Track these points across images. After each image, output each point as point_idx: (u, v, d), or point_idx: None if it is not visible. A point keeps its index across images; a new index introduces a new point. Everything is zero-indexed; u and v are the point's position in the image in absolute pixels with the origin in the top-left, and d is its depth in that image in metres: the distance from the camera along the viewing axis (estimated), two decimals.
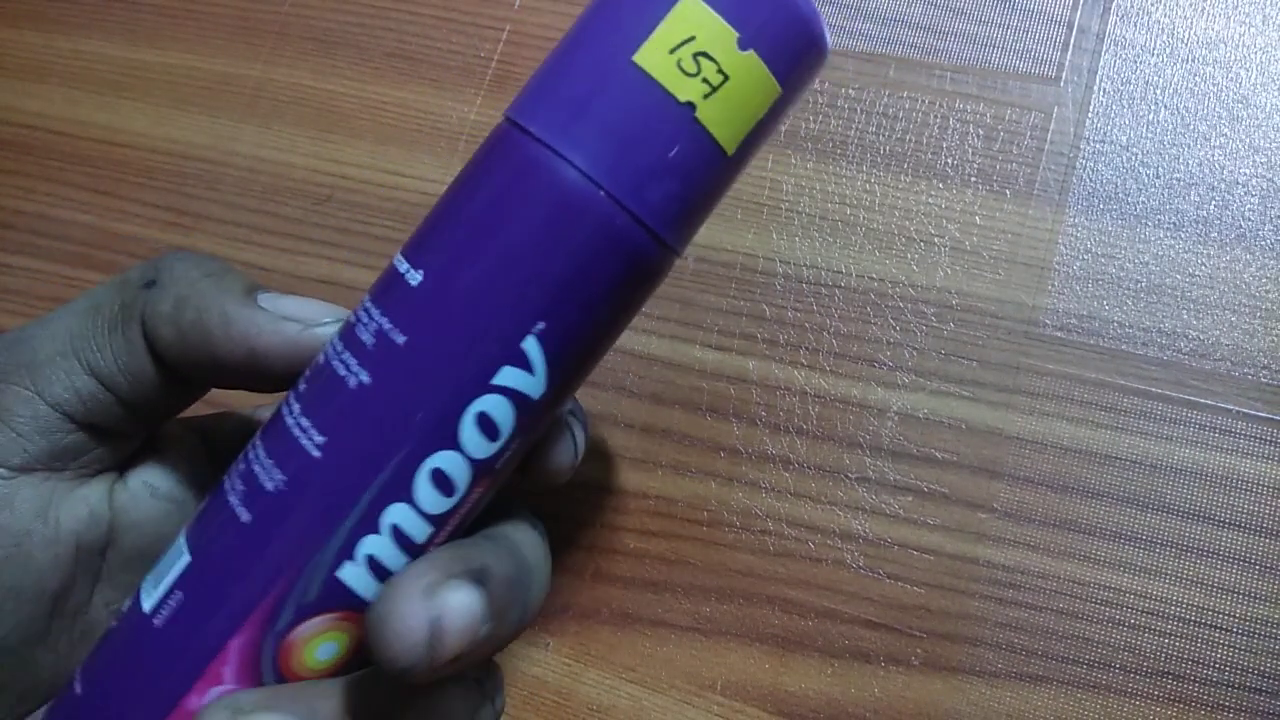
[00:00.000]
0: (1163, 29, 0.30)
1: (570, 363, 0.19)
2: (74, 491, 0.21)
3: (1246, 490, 0.26)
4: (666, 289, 0.30)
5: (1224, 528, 0.26)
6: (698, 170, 0.19)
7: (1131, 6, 0.30)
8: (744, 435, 0.28)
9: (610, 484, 0.28)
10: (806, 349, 0.29)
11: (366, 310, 0.19)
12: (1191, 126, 0.29)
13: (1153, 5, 0.30)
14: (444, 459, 0.19)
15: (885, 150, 0.30)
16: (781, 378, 0.29)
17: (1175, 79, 0.29)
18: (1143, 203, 0.28)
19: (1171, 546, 0.26)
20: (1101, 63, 0.30)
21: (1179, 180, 0.28)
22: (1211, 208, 0.28)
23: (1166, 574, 0.26)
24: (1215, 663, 0.25)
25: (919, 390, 0.28)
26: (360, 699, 0.18)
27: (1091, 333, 0.28)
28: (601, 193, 0.18)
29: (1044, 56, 0.30)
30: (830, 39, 0.20)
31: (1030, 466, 0.27)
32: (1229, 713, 0.24)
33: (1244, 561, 0.25)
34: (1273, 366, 0.27)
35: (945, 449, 0.27)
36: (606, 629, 0.27)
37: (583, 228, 0.18)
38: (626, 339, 0.29)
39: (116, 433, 0.22)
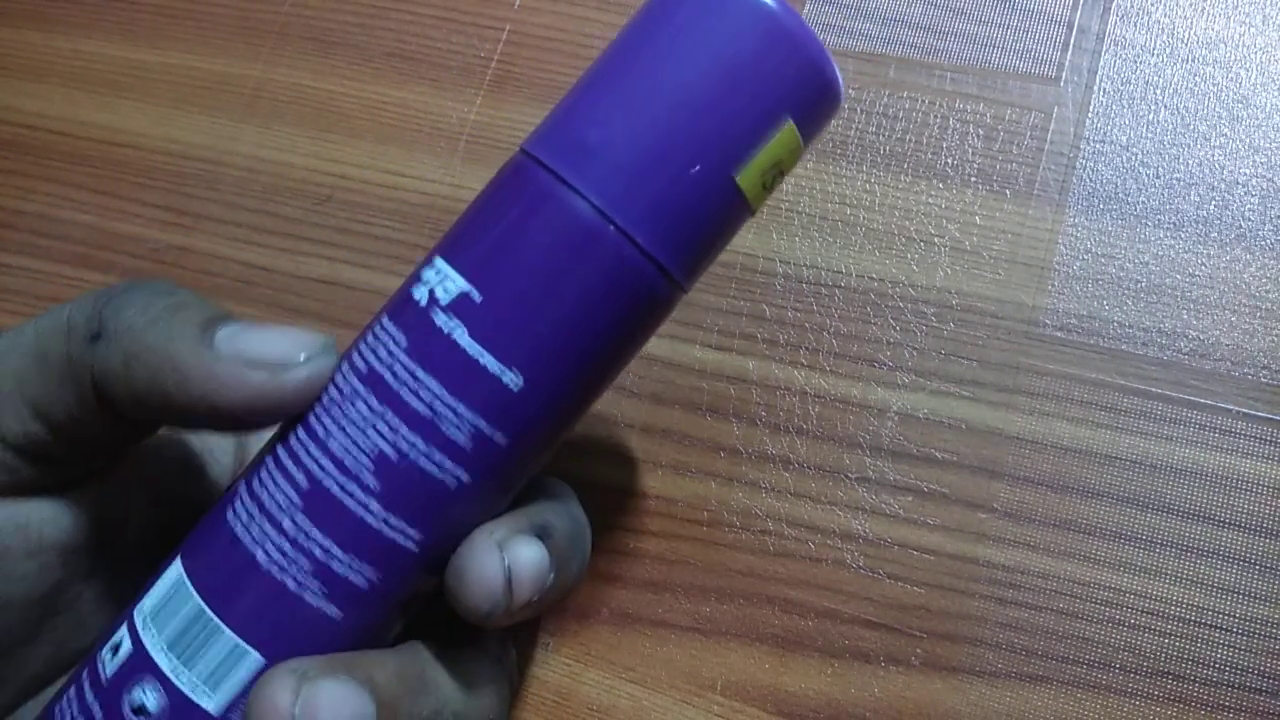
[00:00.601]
0: (1163, 29, 0.30)
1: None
2: (51, 501, 0.20)
3: (1246, 490, 0.26)
4: None
5: (1224, 528, 0.26)
6: (731, 229, 0.20)
7: (1131, 6, 0.30)
8: (744, 435, 0.28)
9: (610, 484, 0.28)
10: (806, 349, 0.29)
11: (452, 409, 0.18)
12: (1191, 126, 0.29)
13: (1153, 5, 0.30)
14: None
15: (885, 150, 0.30)
16: (781, 378, 0.29)
17: (1175, 79, 0.29)
18: (1143, 203, 0.28)
19: (1171, 546, 0.26)
20: (1101, 63, 0.30)
21: (1179, 180, 0.28)
22: (1211, 208, 0.28)
23: (1166, 574, 0.26)
24: (1215, 663, 0.25)
25: (919, 390, 0.28)
26: (408, 666, 0.19)
27: (1091, 333, 0.28)
28: (680, 293, 0.20)
29: (1044, 56, 0.30)
30: (830, 41, 0.20)
31: (1030, 466, 0.27)
32: (1229, 713, 0.24)
33: (1244, 561, 0.25)
34: (1273, 366, 0.27)
35: (945, 449, 0.27)
36: (606, 629, 0.27)
37: (659, 315, 0.20)
38: None
39: (74, 464, 0.21)
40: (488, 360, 0.18)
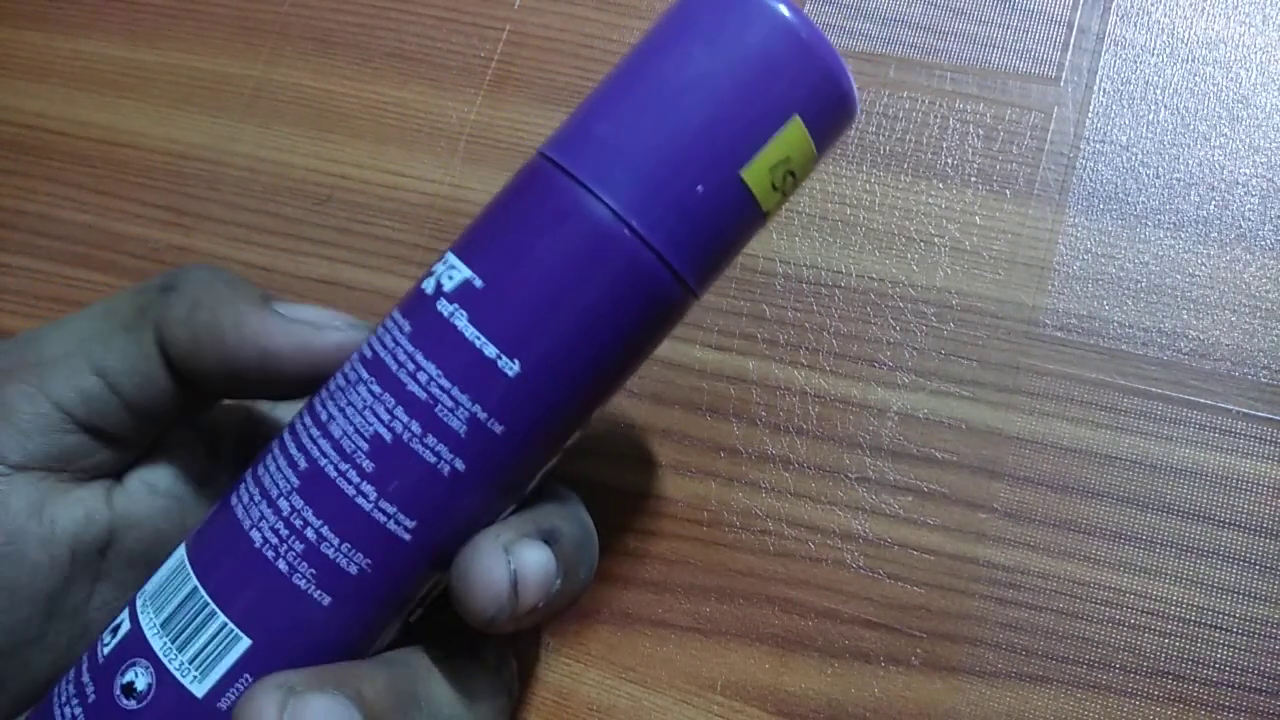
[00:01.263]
0: (1163, 29, 0.30)
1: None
2: (71, 492, 0.21)
3: (1246, 490, 0.26)
4: None
5: (1224, 528, 0.26)
6: (742, 230, 0.20)
7: (1131, 6, 0.30)
8: (744, 435, 0.28)
9: (610, 484, 0.28)
10: (806, 349, 0.29)
11: (448, 393, 0.18)
12: (1191, 126, 0.29)
13: (1153, 5, 0.30)
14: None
15: (885, 150, 0.30)
16: (781, 378, 0.29)
17: (1175, 79, 0.29)
18: (1143, 203, 0.28)
19: (1171, 546, 0.26)
20: (1101, 63, 0.30)
21: (1179, 180, 0.28)
22: (1211, 208, 0.28)
23: (1166, 574, 0.26)
24: (1215, 663, 0.25)
25: (919, 390, 0.28)
26: (400, 680, 0.19)
27: (1091, 333, 0.28)
28: (692, 298, 0.20)
29: (1044, 56, 0.30)
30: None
31: (1030, 466, 0.27)
32: (1229, 713, 0.24)
33: (1244, 561, 0.25)
34: (1273, 366, 0.27)
35: (945, 449, 0.27)
36: (606, 629, 0.27)
37: (670, 320, 0.20)
38: None
39: (119, 437, 0.21)
40: (486, 346, 0.18)
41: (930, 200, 0.30)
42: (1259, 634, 0.25)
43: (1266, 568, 0.25)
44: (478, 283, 0.19)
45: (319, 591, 0.19)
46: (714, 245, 0.20)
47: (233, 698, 0.18)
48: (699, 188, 0.19)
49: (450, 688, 0.20)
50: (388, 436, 0.19)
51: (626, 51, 0.21)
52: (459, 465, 0.19)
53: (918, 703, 0.26)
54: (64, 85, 0.37)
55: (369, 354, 0.19)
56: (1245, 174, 0.28)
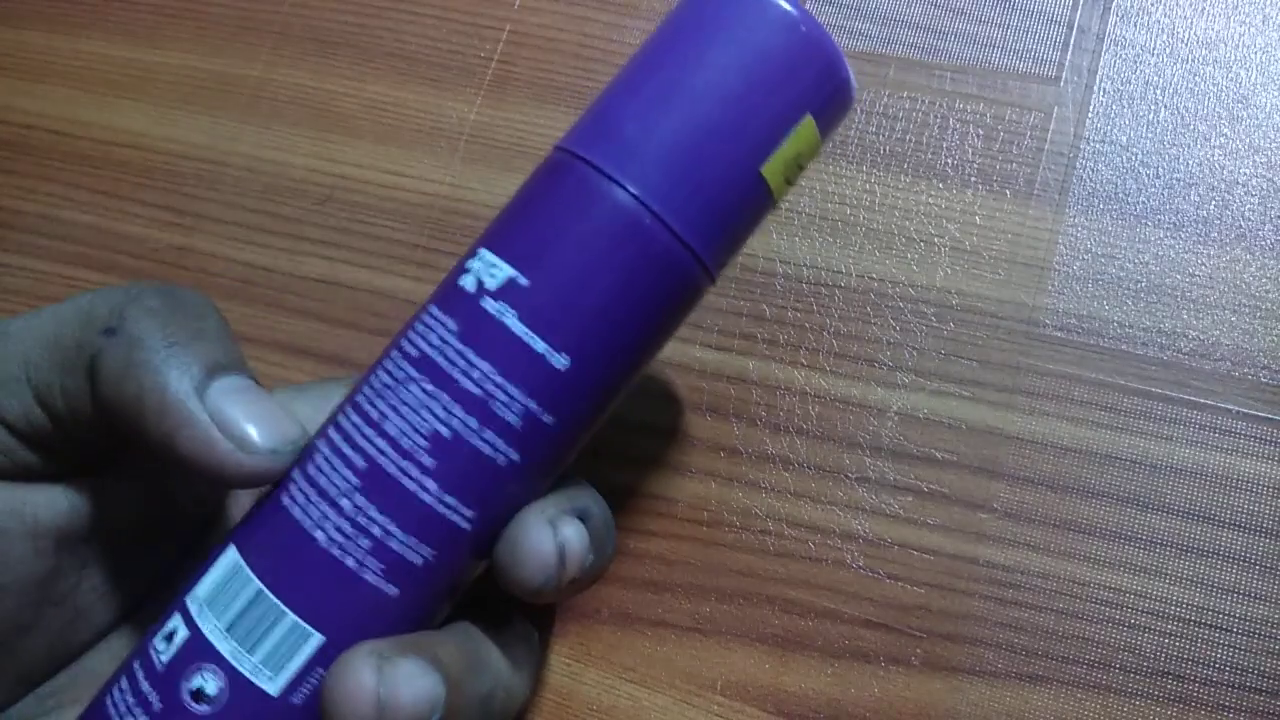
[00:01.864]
0: (1163, 29, 0.30)
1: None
2: (48, 487, 0.21)
3: (1246, 490, 0.26)
4: None
5: (1224, 528, 0.26)
6: (756, 219, 0.22)
7: (1131, 6, 0.30)
8: (744, 435, 0.28)
9: (610, 484, 0.28)
10: (806, 349, 0.29)
11: (503, 389, 0.19)
12: (1191, 126, 0.29)
13: (1153, 5, 0.30)
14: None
15: (885, 150, 0.30)
16: (781, 378, 0.29)
17: (1175, 79, 0.29)
18: (1143, 203, 0.28)
19: (1171, 546, 0.26)
20: (1101, 63, 0.30)
21: (1179, 180, 0.28)
22: (1211, 208, 0.28)
23: (1166, 574, 0.26)
24: (1215, 663, 0.25)
25: (919, 390, 0.28)
26: (466, 645, 0.20)
27: (1091, 333, 0.28)
28: (710, 284, 0.21)
29: (1044, 56, 0.30)
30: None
31: (1030, 466, 0.27)
32: (1229, 713, 0.24)
33: (1244, 561, 0.25)
34: (1273, 366, 0.27)
35: (945, 449, 0.27)
36: (606, 629, 0.27)
37: (693, 304, 0.21)
38: None
39: (75, 456, 0.21)
40: (537, 343, 0.19)
41: (930, 200, 0.29)
42: (1259, 634, 0.25)
43: (1266, 568, 0.25)
44: (523, 281, 0.20)
45: (387, 584, 0.19)
46: (733, 234, 0.21)
47: (306, 691, 0.19)
48: (721, 180, 0.20)
49: (500, 653, 0.21)
50: (446, 433, 0.19)
51: (646, 46, 0.21)
52: (514, 456, 0.20)
53: (918, 703, 0.26)
54: (63, 85, 0.37)
55: (414, 353, 0.20)
56: (1245, 174, 0.28)
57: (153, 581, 0.23)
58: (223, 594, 0.19)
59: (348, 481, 0.19)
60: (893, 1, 0.31)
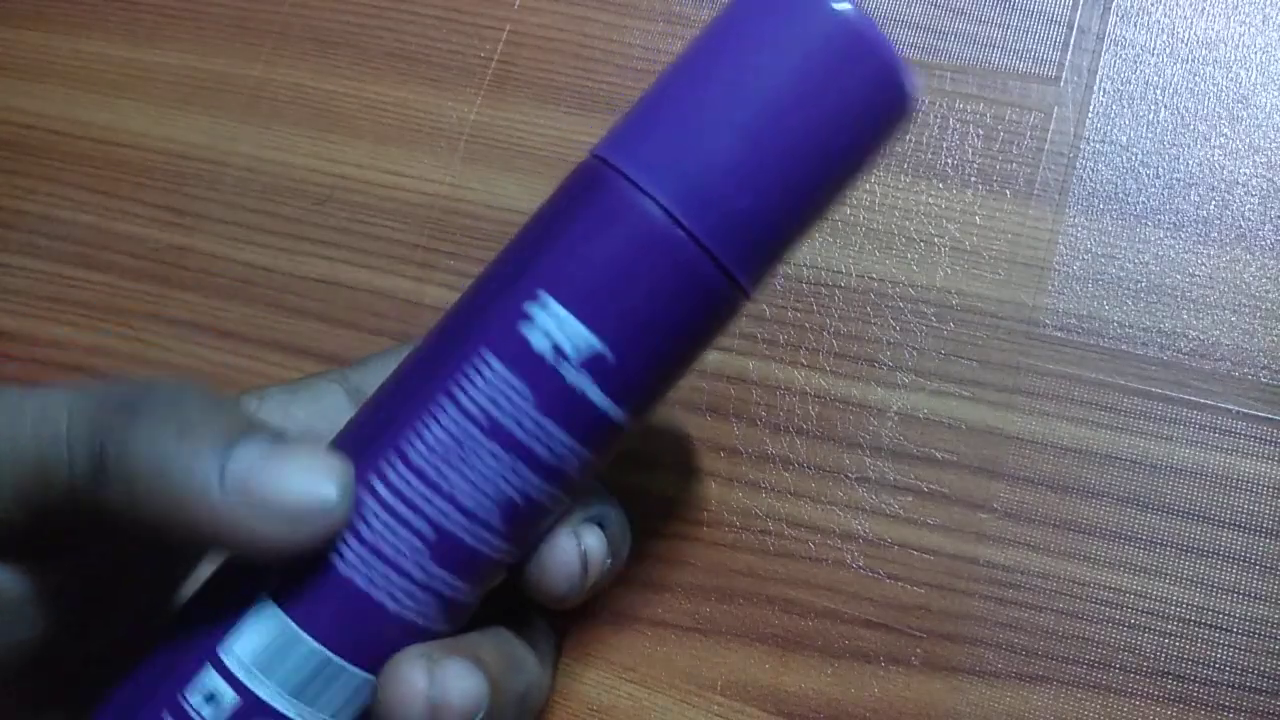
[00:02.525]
0: (1163, 29, 0.30)
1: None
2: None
3: (1246, 490, 0.26)
4: None
5: (1224, 528, 0.26)
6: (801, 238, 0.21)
7: (1131, 6, 0.30)
8: (744, 435, 0.28)
9: (610, 484, 0.28)
10: (806, 349, 0.29)
11: (574, 453, 0.20)
12: (1191, 126, 0.29)
13: (1153, 5, 0.30)
14: None
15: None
16: (781, 378, 0.29)
17: (1175, 79, 0.29)
18: (1143, 203, 0.28)
19: (1171, 546, 0.26)
20: (1101, 63, 0.30)
21: (1179, 180, 0.28)
22: (1211, 208, 0.28)
23: (1166, 574, 0.26)
24: (1215, 663, 0.25)
25: (919, 390, 0.28)
26: (502, 647, 0.21)
27: (1091, 333, 0.28)
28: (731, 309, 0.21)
29: (1044, 56, 0.30)
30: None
31: (1030, 466, 0.27)
32: (1229, 713, 0.24)
33: (1244, 561, 0.25)
34: (1273, 366, 0.27)
35: (945, 449, 0.27)
36: (606, 628, 0.27)
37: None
38: None
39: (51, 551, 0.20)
40: (612, 410, 0.20)
41: (930, 200, 0.29)
42: (1259, 634, 0.25)
43: (1266, 568, 0.25)
44: (610, 357, 0.19)
45: (449, 625, 0.20)
46: (776, 266, 0.21)
47: None
48: (785, 232, 0.20)
49: (530, 653, 0.22)
50: (519, 499, 0.20)
51: (700, 57, 0.20)
52: (564, 499, 0.21)
53: (918, 703, 0.26)
54: (63, 85, 0.37)
55: (482, 418, 0.19)
56: (1245, 174, 0.28)
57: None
58: (277, 658, 0.19)
59: (415, 548, 0.19)
60: (893, 1, 0.31)
